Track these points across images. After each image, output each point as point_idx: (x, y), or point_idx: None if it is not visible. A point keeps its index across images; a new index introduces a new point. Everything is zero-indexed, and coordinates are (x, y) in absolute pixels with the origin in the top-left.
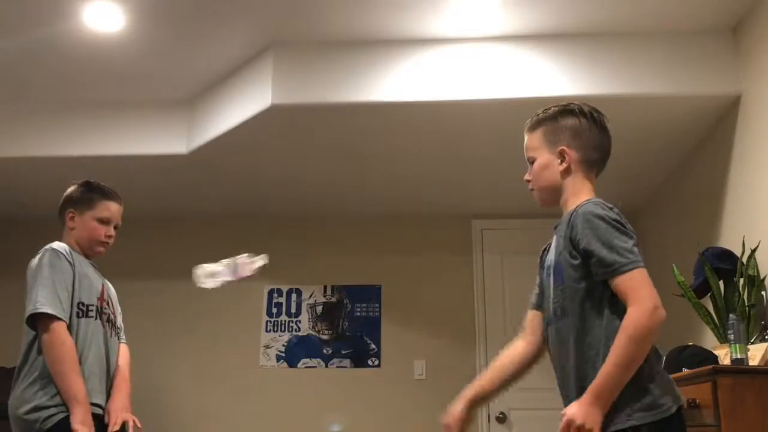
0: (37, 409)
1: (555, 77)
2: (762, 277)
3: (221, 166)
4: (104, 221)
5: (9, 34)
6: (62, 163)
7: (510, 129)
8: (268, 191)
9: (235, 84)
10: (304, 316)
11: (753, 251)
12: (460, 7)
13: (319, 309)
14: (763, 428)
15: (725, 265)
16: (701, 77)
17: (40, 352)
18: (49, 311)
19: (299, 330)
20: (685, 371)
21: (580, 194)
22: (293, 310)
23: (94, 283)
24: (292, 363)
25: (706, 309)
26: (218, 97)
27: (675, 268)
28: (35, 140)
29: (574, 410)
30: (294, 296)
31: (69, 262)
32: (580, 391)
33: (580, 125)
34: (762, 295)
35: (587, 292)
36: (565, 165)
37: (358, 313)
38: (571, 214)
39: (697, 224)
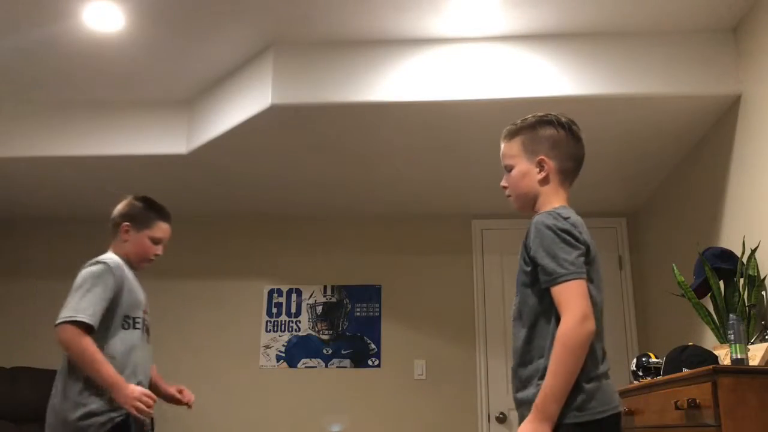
0: (92, 414)
1: (555, 77)
2: (762, 277)
3: (221, 166)
4: (156, 241)
5: (9, 34)
6: (62, 163)
7: None
8: (268, 191)
9: (235, 84)
10: (304, 316)
11: (753, 251)
12: (460, 7)
13: (319, 309)
14: (764, 428)
15: (725, 265)
16: (701, 77)
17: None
18: (84, 320)
19: (299, 330)
20: (686, 371)
21: (552, 203)
22: (293, 310)
23: (140, 295)
24: (292, 363)
25: (707, 309)
26: (218, 98)
27: (675, 268)
28: (35, 140)
29: (524, 428)
30: (294, 296)
31: (119, 276)
32: (522, 388)
33: (558, 136)
34: (762, 295)
35: (538, 299)
36: (543, 174)
37: (358, 313)
38: (532, 222)
39: (697, 224)
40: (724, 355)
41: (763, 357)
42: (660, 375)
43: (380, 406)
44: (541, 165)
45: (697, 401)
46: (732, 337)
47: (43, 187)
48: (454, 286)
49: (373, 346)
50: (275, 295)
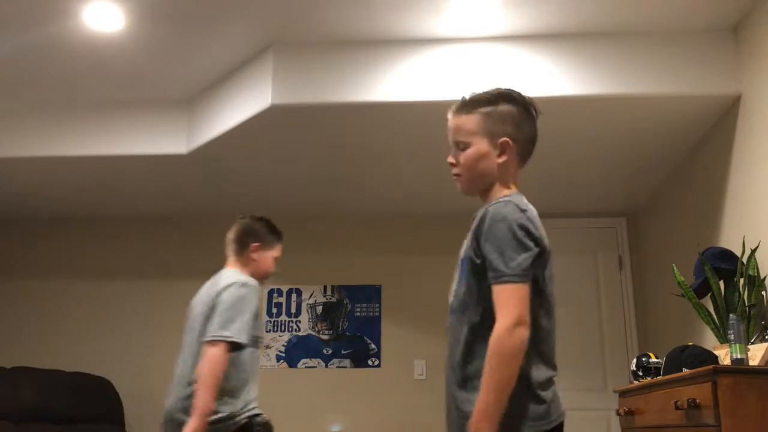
0: (232, 417)
1: (555, 77)
2: (762, 277)
3: (221, 166)
4: (275, 260)
5: (9, 34)
6: (62, 163)
7: None
8: (268, 191)
9: (235, 84)
10: (304, 316)
11: (753, 251)
12: (460, 7)
13: (319, 309)
14: (764, 428)
15: (725, 265)
16: (701, 77)
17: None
18: (238, 341)
19: (299, 330)
20: (686, 371)
21: (507, 188)
22: (293, 310)
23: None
24: (292, 363)
25: (707, 309)
26: (218, 97)
27: (675, 268)
28: (35, 140)
29: None
30: (294, 296)
31: (257, 298)
32: (461, 386)
33: (521, 114)
34: (762, 295)
35: (488, 294)
36: (504, 158)
37: (358, 313)
38: (486, 210)
39: (697, 224)
40: (724, 355)
41: (763, 357)
42: (660, 375)
43: (380, 406)
44: (503, 148)
45: (697, 401)
46: (732, 337)
47: (43, 187)
48: None
49: (373, 346)
50: (275, 295)
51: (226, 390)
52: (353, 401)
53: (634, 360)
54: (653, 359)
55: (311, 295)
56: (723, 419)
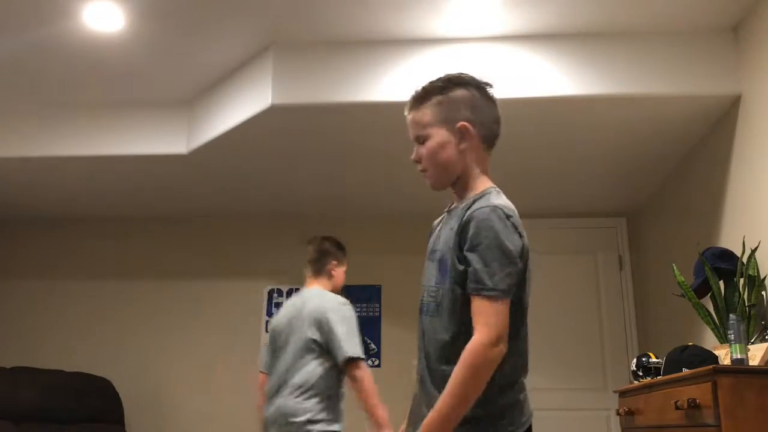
0: (326, 421)
1: (555, 77)
2: (762, 277)
3: (221, 166)
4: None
5: (9, 34)
6: (62, 163)
7: (510, 129)
8: (268, 191)
9: (235, 84)
10: None
11: (753, 251)
12: (460, 7)
13: None
14: (764, 428)
15: (725, 265)
16: (701, 77)
17: (323, 377)
18: (363, 356)
19: None
20: (686, 371)
21: (478, 179)
22: None
23: None
24: None
25: (707, 309)
26: (218, 97)
27: (675, 268)
28: (35, 140)
29: None
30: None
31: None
32: (439, 388)
33: (474, 97)
34: (762, 295)
35: (469, 300)
36: (466, 143)
37: (358, 313)
38: (467, 210)
39: (697, 224)
40: (724, 355)
41: (763, 357)
42: (660, 375)
43: None
44: (461, 133)
45: (697, 401)
46: (732, 337)
47: (43, 187)
48: None
49: (373, 346)
50: (275, 295)
51: (340, 399)
52: (353, 401)
53: (634, 360)
54: (653, 359)
55: None
56: (723, 419)
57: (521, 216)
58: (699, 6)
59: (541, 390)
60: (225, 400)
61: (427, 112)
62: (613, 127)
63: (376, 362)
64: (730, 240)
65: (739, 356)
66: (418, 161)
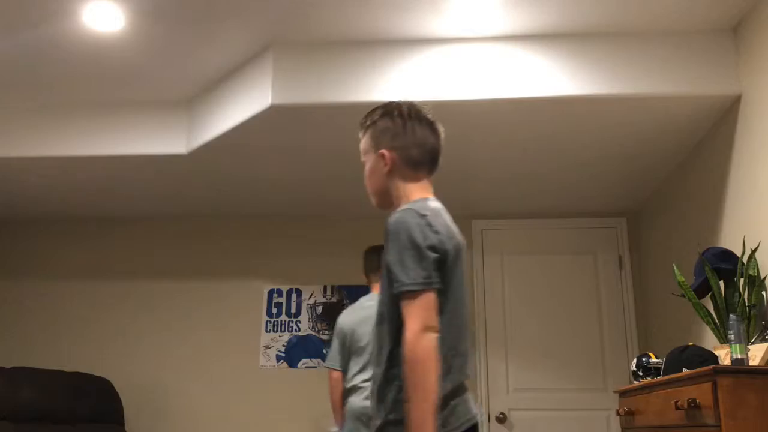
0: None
1: (555, 77)
2: (762, 277)
3: (221, 166)
4: None
5: (9, 34)
6: (62, 163)
7: (510, 129)
8: (267, 191)
9: (235, 84)
10: (304, 316)
11: (753, 251)
12: (460, 7)
13: (319, 309)
14: (764, 429)
15: (726, 265)
16: (701, 77)
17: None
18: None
19: (299, 330)
20: (686, 371)
21: (409, 195)
22: (293, 310)
23: None
24: (292, 363)
25: (707, 309)
26: (218, 97)
27: (675, 268)
28: (35, 140)
29: None
30: (294, 296)
31: None
32: (379, 401)
33: (395, 125)
34: (762, 295)
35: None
36: (387, 167)
37: None
38: (387, 221)
39: (698, 224)
40: (725, 355)
41: (763, 357)
42: (660, 375)
43: None
44: (383, 158)
45: (698, 401)
46: (732, 337)
47: (44, 187)
48: None
49: None
50: (275, 295)
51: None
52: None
53: (634, 360)
54: (653, 359)
55: (311, 295)
56: (723, 419)
57: (522, 216)
58: (699, 6)
59: (541, 390)
60: (225, 400)
61: (365, 140)
62: (613, 127)
63: None
64: (730, 240)
65: (739, 356)
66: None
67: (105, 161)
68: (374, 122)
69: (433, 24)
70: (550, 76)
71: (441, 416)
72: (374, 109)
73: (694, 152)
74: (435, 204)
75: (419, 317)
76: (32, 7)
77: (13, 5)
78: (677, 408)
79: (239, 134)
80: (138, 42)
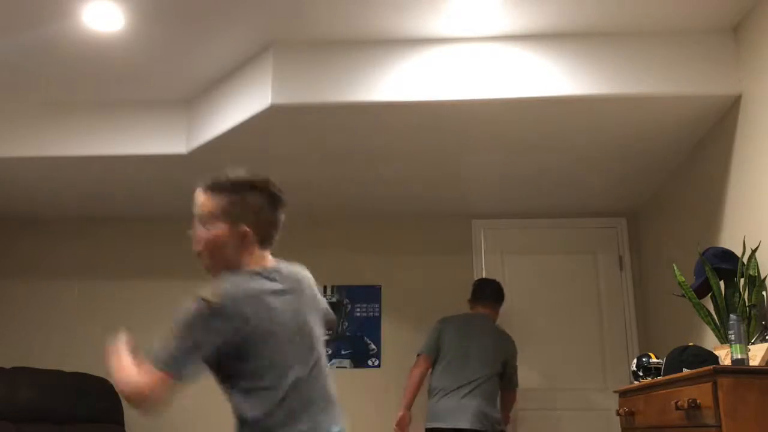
0: None
1: (555, 77)
2: (763, 278)
3: (221, 166)
4: None
5: (9, 34)
6: (62, 163)
7: (510, 129)
8: None
9: (235, 84)
10: None
11: (754, 251)
12: (460, 7)
13: None
14: (764, 429)
15: (726, 265)
16: (701, 77)
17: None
18: None
19: None
20: (686, 371)
21: (246, 266)
22: None
23: None
24: None
25: (707, 309)
26: (218, 97)
27: (675, 268)
28: (35, 140)
29: None
30: None
31: None
32: None
33: (262, 203)
34: (763, 296)
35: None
36: (244, 246)
37: (358, 313)
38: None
39: (698, 224)
40: (725, 356)
41: (763, 357)
42: (660, 375)
43: (380, 406)
44: (244, 235)
45: (698, 401)
46: (732, 337)
47: (43, 187)
48: (454, 286)
49: (373, 346)
50: None
51: None
52: (353, 401)
53: (635, 360)
54: (653, 359)
55: None
56: (723, 419)
57: (522, 216)
58: (699, 6)
59: (542, 390)
60: (225, 400)
61: (216, 204)
62: (613, 127)
63: (376, 362)
64: (731, 240)
65: (739, 356)
66: (195, 239)
67: (104, 161)
68: (239, 192)
69: (433, 24)
70: (550, 76)
71: None
72: (234, 177)
73: (694, 152)
74: (249, 281)
75: (144, 389)
76: (32, 7)
77: (13, 5)
78: (677, 408)
79: (239, 134)
80: (138, 42)
